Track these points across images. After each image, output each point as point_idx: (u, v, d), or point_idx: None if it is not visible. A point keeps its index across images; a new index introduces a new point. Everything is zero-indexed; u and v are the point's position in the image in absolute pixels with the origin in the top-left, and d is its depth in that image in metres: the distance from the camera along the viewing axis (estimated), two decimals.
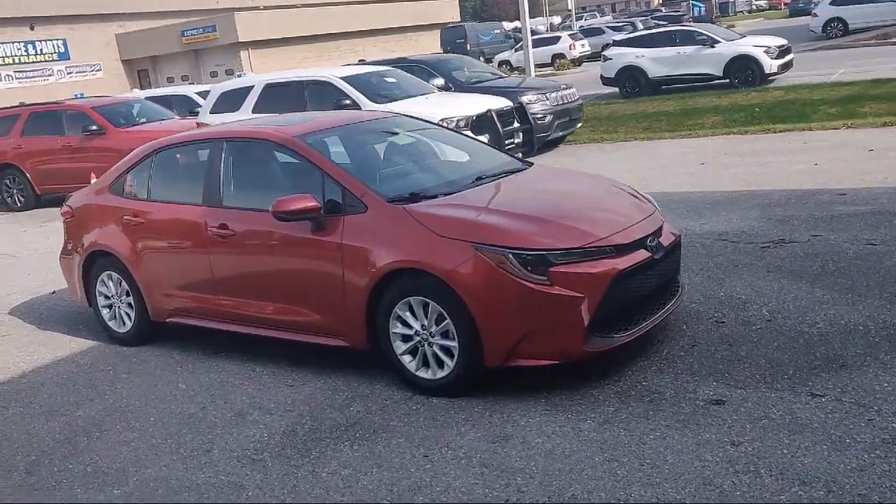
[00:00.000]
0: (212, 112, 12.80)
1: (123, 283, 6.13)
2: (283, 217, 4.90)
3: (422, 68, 13.39)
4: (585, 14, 71.59)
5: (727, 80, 19.60)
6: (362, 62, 15.94)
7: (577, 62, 35.25)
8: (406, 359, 4.74)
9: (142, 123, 14.41)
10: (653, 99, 19.69)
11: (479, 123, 10.92)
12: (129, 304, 6.17)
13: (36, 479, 4.28)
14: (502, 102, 11.64)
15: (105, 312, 6.36)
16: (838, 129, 12.38)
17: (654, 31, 22.61)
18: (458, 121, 10.65)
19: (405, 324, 4.69)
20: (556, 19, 70.64)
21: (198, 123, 13.06)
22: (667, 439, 3.85)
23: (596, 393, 4.45)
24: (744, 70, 19.38)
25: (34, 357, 6.27)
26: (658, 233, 4.82)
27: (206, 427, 4.65)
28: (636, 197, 5.26)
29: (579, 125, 14.56)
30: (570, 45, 34.35)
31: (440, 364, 4.63)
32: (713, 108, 16.76)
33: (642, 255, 4.59)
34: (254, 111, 12.22)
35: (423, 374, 4.70)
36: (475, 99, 11.65)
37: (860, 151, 10.35)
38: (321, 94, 11.57)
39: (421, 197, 4.89)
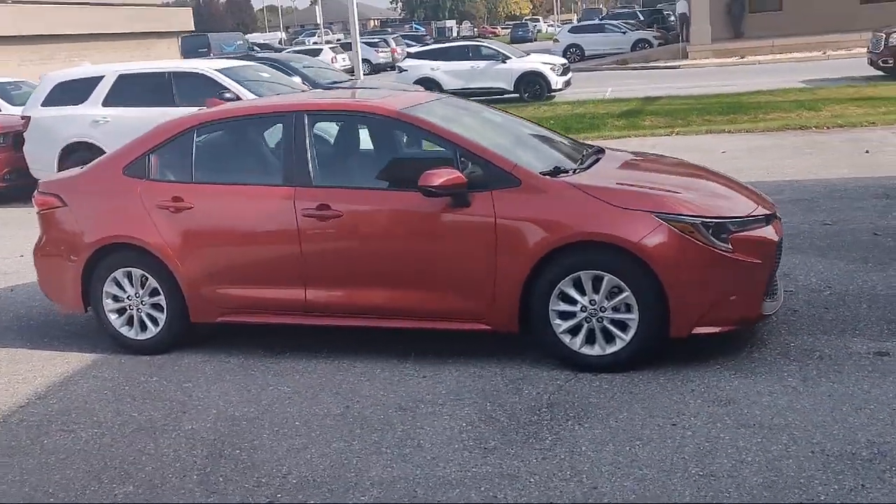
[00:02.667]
0: (44, 104, 11.18)
1: (151, 280, 5.24)
2: (432, 192, 4.53)
3: (276, 66, 12.74)
4: (305, 32, 72.16)
5: (517, 94, 20.83)
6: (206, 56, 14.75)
7: None
8: (566, 337, 4.59)
9: None
10: None
11: None
12: (156, 306, 5.28)
13: (230, 499, 3.57)
14: None
15: (114, 318, 5.38)
16: (669, 136, 13.69)
17: (448, 44, 23.41)
18: None
19: (568, 300, 4.55)
20: (283, 34, 70.30)
21: (23, 117, 11.38)
22: (883, 387, 4.13)
23: (759, 356, 4.63)
24: (532, 85, 20.75)
25: (33, 375, 5.16)
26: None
27: (381, 424, 4.16)
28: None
29: None
30: (332, 59, 34.28)
31: (608, 339, 4.55)
32: None
33: (779, 225, 4.87)
34: (104, 105, 10.90)
35: (587, 350, 4.58)
36: None
37: (714, 153, 11.56)
38: (194, 86, 10.61)
39: (560, 171, 4.78)
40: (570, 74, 21.52)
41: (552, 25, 65.25)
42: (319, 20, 46.41)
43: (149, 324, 5.33)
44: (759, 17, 30.95)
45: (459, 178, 4.54)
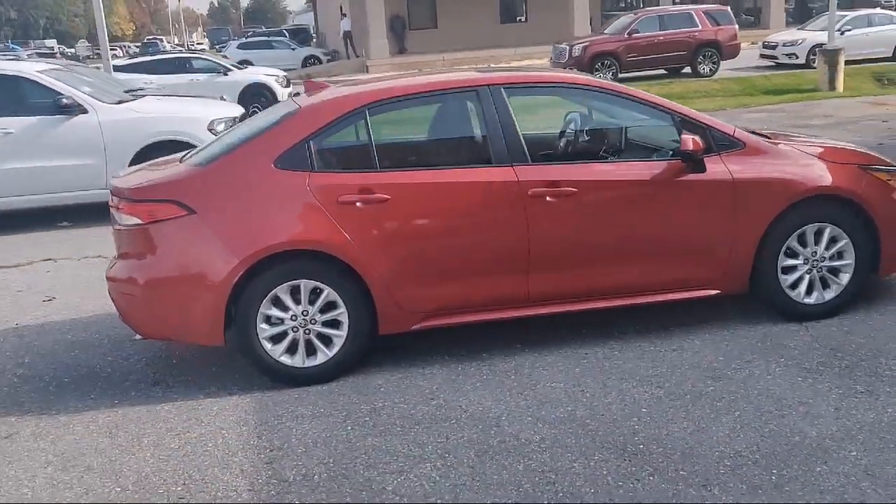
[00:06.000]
0: None
1: (327, 291, 4.33)
2: (690, 157, 4.44)
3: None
4: None
5: (243, 109, 19.89)
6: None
7: None
8: (790, 291, 4.78)
9: None
10: None
11: (234, 125, 9.74)
12: (331, 322, 4.39)
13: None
14: (240, 109, 10.72)
15: (270, 346, 4.36)
16: None
17: (162, 56, 21.47)
18: (226, 121, 9.51)
19: (792, 255, 4.75)
20: None
21: None
22: None
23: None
24: (259, 97, 19.94)
25: (209, 429, 4.00)
26: None
27: (725, 394, 4.00)
28: None
29: None
30: None
31: (824, 287, 4.83)
32: None
33: None
34: None
35: (808, 300, 4.81)
36: (217, 104, 10.49)
37: None
38: (10, 90, 8.69)
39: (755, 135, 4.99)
40: (291, 87, 21.10)
41: (178, 45, 62.39)
42: None
43: (320, 346, 4.42)
44: (419, 34, 33.06)
45: (702, 143, 4.52)
